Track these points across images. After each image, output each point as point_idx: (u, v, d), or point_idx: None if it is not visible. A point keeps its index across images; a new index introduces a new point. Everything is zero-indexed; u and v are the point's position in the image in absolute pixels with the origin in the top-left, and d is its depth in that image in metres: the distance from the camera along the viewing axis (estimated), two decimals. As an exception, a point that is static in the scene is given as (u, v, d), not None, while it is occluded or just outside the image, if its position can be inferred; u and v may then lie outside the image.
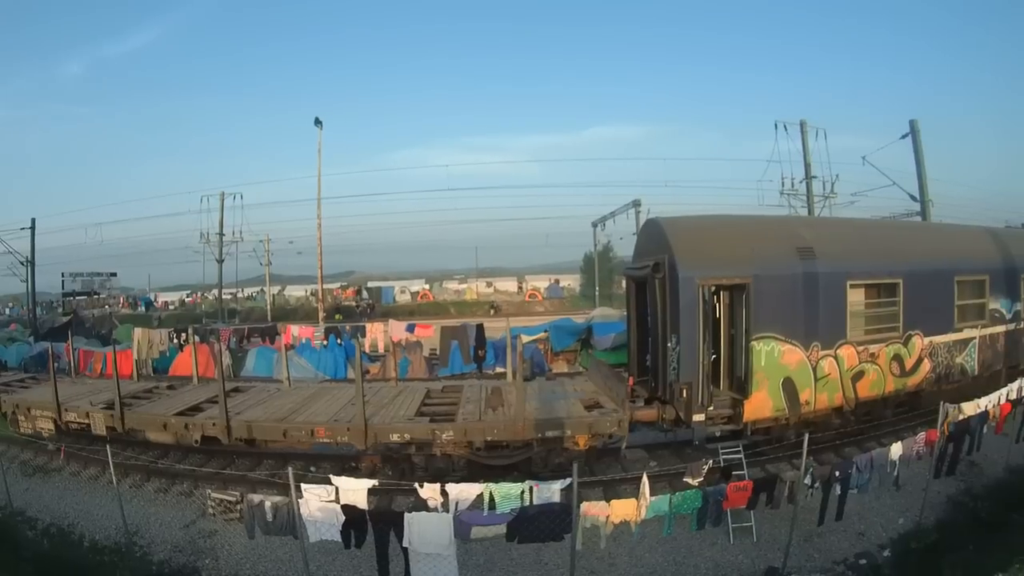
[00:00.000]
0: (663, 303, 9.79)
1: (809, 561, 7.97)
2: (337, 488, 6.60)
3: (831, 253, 10.39)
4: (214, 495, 6.88)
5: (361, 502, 6.57)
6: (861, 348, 10.60)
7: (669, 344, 9.69)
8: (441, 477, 8.27)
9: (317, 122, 27.60)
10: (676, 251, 9.55)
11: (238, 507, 6.67)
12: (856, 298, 10.64)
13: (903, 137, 19.08)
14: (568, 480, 6.46)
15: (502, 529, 6.21)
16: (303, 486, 6.44)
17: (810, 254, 10.13)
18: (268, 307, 49.16)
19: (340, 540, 6.39)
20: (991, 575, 5.16)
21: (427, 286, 65.47)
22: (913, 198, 18.94)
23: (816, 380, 10.18)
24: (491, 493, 6.71)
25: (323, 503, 6.42)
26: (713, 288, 9.67)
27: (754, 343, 9.61)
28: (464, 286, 65.44)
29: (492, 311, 47.47)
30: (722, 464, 9.32)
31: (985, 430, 10.02)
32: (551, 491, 6.70)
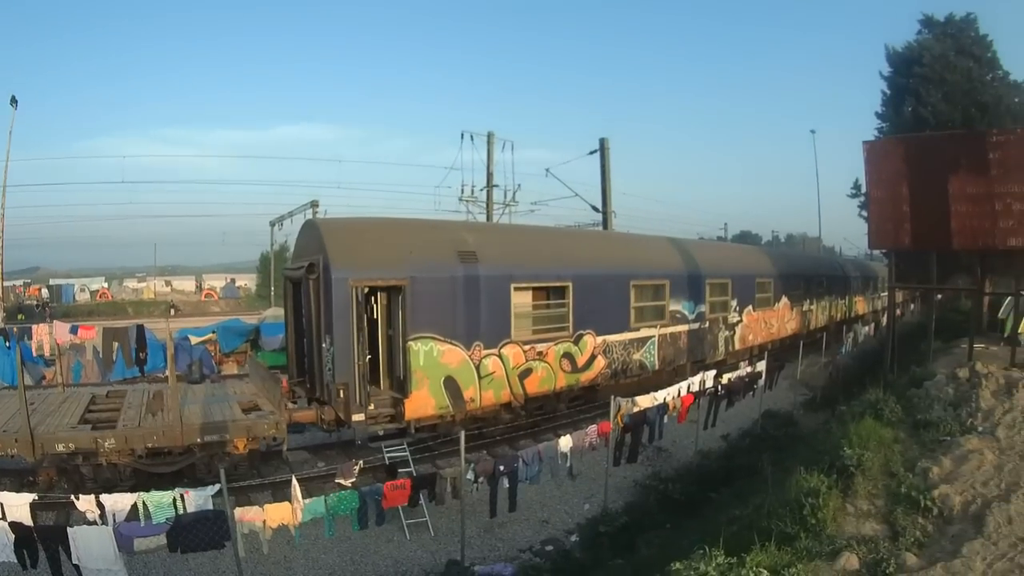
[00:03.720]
0: (317, 304, 10.60)
1: (493, 551, 8.80)
2: (2, 505, 6.57)
3: (495, 257, 11.80)
4: None
5: (26, 518, 6.59)
6: (528, 347, 12.10)
7: (324, 345, 10.52)
8: (110, 488, 8.45)
9: (13, 101, 25.58)
10: (330, 252, 10.34)
11: None
12: (522, 300, 12.15)
13: (591, 153, 21.74)
14: (218, 486, 6.74)
15: (164, 540, 6.47)
16: (-33, 505, 6.40)
17: (472, 258, 11.37)
18: (-49, 307, 45.90)
19: (16, 560, 6.34)
20: (687, 550, 5.41)
21: (106, 284, 67.21)
22: (596, 209, 21.58)
23: (480, 378, 11.57)
24: (144, 502, 6.90)
25: (-9, 522, 6.40)
26: (366, 289, 10.53)
27: (411, 343, 10.70)
28: (143, 285, 68.58)
29: (173, 311, 48.31)
30: (387, 462, 10.10)
31: (667, 420, 11.67)
32: (204, 498, 6.98)
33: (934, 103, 23.03)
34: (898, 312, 25.91)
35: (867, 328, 25.30)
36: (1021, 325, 15.16)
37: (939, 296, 26.37)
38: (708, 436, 13.11)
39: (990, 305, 19.91)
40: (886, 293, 22.66)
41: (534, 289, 12.43)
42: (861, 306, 31.60)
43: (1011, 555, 5.16)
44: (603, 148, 20.99)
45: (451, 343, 11.07)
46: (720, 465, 11.50)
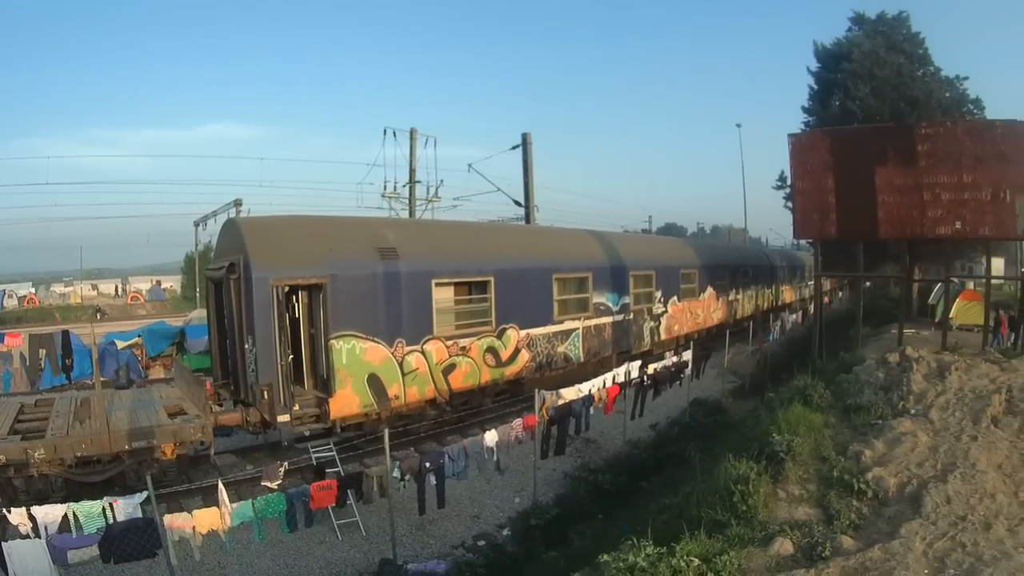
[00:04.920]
0: (239, 304, 10.84)
1: (425, 549, 9.07)
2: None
3: (415, 253, 12.29)
4: None
5: (-40, 535, 6.64)
6: (451, 342, 12.66)
7: (247, 346, 10.79)
8: (43, 500, 8.56)
9: None
10: (250, 251, 10.58)
11: None
12: (443, 295, 12.69)
13: (514, 148, 22.38)
14: (145, 493, 6.81)
15: (97, 550, 6.49)
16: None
17: (392, 254, 11.84)
18: None
19: (-47, 580, 6.32)
20: (619, 540, 5.40)
21: (33, 290, 67.43)
22: (518, 203, 22.42)
23: (404, 375, 12.03)
24: (74, 513, 6.98)
25: (-70, 540, 6.43)
26: (287, 288, 10.87)
27: (334, 342, 11.07)
28: (70, 289, 69.14)
29: (99, 315, 48.76)
30: (315, 463, 10.44)
31: (593, 411, 12.14)
32: (132, 505, 7.03)
33: (862, 97, 23.72)
34: (827, 300, 27.27)
35: (795, 316, 26.51)
36: (952, 310, 16.30)
37: (868, 284, 27.84)
38: (637, 426, 13.62)
39: (919, 291, 21.19)
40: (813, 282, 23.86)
41: (456, 284, 12.90)
42: (788, 295, 33.00)
43: (952, 533, 5.26)
44: (525, 143, 21.54)
45: (373, 340, 11.46)
46: (650, 454, 11.98)
